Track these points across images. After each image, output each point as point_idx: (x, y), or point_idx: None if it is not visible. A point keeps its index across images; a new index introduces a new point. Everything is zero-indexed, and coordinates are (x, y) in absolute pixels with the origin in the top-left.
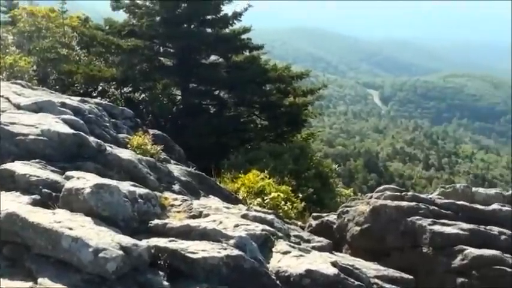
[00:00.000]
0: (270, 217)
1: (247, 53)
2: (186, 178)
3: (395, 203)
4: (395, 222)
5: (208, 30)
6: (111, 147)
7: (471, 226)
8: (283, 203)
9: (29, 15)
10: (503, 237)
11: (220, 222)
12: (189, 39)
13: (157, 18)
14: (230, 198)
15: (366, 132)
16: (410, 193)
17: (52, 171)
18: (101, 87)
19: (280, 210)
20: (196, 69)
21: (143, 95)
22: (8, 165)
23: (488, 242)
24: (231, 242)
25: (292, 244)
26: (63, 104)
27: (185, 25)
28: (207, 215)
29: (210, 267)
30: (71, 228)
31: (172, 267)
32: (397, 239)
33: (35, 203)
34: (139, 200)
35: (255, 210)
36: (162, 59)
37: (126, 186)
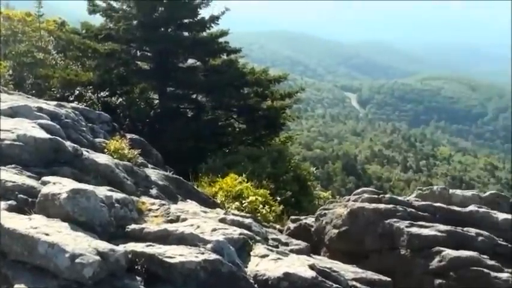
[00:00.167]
0: (247, 221)
1: (224, 57)
2: (163, 182)
3: (373, 205)
4: (373, 225)
5: (186, 33)
6: (88, 151)
7: (448, 228)
8: (261, 206)
9: (5, 19)
10: (480, 238)
11: (198, 227)
12: (166, 43)
13: (134, 22)
14: (208, 202)
15: (344, 135)
16: (387, 195)
17: (28, 176)
18: (77, 92)
19: (259, 214)
20: (174, 73)
21: (120, 99)
22: None
23: (466, 244)
24: (209, 246)
25: (270, 247)
26: (40, 109)
27: (162, 29)
28: (184, 220)
29: (188, 271)
30: (47, 234)
31: (149, 272)
32: (375, 242)
33: (11, 209)
34: (116, 205)
35: (233, 214)
36: (139, 62)
37: (103, 191)
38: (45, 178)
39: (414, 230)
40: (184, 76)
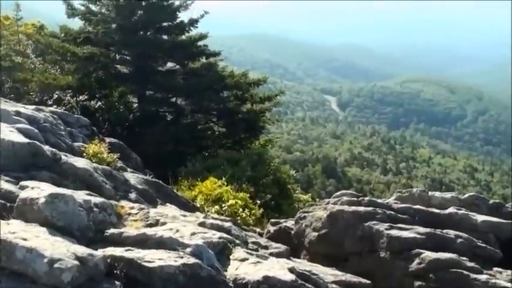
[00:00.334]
0: (227, 224)
1: (204, 60)
2: (142, 186)
3: (353, 208)
4: (353, 228)
5: (165, 37)
6: (66, 156)
7: (428, 230)
8: (241, 210)
9: None
10: (459, 240)
11: (177, 231)
12: (145, 46)
13: (113, 26)
14: (187, 206)
15: (323, 138)
16: (367, 198)
17: (6, 181)
18: (56, 96)
19: (238, 217)
20: (153, 77)
21: (99, 103)
22: None
23: (445, 246)
24: (188, 250)
25: (249, 251)
26: (18, 113)
27: (141, 32)
28: (163, 223)
29: (167, 275)
30: (25, 239)
31: (128, 277)
32: (355, 244)
33: None
34: (95, 209)
35: (212, 218)
36: (118, 66)
37: (81, 195)
38: (23, 183)
39: (394, 232)
40: (164, 79)
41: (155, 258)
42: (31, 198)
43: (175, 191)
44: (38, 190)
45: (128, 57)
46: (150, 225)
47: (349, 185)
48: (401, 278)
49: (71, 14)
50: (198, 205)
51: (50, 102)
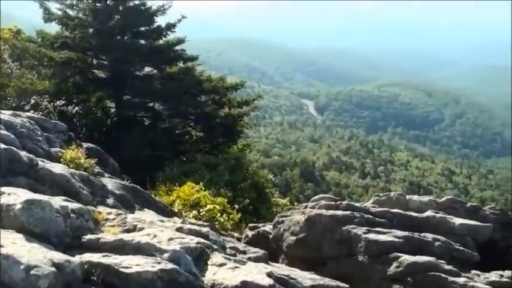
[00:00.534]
0: (205, 230)
1: (181, 64)
2: (120, 191)
3: (331, 212)
4: (331, 231)
5: (142, 41)
6: (43, 161)
7: (405, 233)
8: (219, 214)
9: None
10: (437, 243)
11: (155, 236)
12: (122, 51)
13: (90, 30)
14: (165, 211)
15: (301, 142)
16: (345, 202)
17: None
18: (33, 101)
19: (217, 222)
20: (130, 81)
21: (77, 108)
22: None
23: (423, 249)
24: (165, 255)
25: (227, 256)
26: None
27: (118, 37)
28: (141, 229)
29: (144, 281)
30: (1, 246)
31: (106, 283)
32: (333, 248)
33: None
34: (72, 215)
35: (190, 223)
36: (95, 71)
37: (58, 201)
38: None
39: (372, 236)
40: (141, 84)
41: (133, 264)
42: (7, 204)
43: (153, 196)
44: (15, 196)
45: (105, 62)
46: (128, 231)
47: (327, 188)
48: (379, 282)
49: (48, 19)
50: (176, 210)
51: (27, 108)
